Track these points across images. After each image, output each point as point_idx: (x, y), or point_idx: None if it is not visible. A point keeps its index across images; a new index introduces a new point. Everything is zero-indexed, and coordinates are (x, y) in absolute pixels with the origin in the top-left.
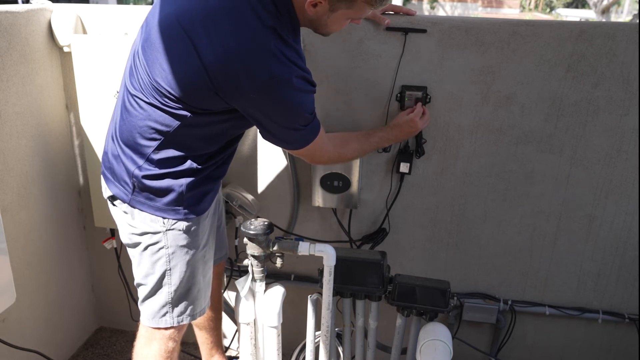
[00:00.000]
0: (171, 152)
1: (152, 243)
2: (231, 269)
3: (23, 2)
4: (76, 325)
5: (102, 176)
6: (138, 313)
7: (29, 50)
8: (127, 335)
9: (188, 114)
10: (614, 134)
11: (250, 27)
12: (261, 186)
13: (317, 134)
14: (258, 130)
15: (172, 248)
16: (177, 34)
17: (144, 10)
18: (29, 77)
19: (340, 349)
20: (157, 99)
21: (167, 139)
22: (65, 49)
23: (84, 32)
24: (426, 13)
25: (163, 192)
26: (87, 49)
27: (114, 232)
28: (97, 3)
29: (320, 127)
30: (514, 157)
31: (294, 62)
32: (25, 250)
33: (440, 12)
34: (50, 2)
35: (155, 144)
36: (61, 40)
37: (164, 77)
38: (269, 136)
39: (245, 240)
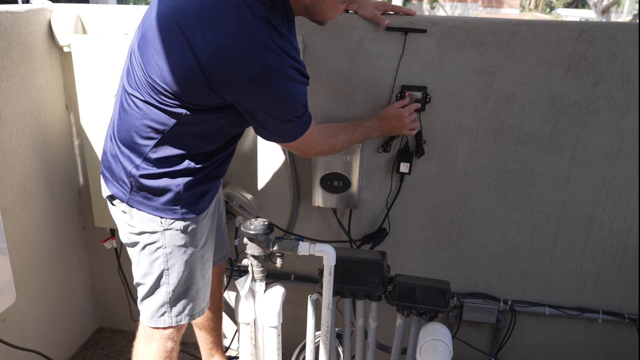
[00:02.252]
0: (169, 151)
1: (150, 242)
2: (231, 269)
3: (23, 2)
4: (76, 325)
5: (101, 176)
6: (138, 313)
7: (29, 50)
8: (127, 335)
9: (184, 111)
10: (614, 134)
11: (244, 20)
12: (261, 186)
13: (309, 126)
14: (252, 125)
15: (169, 248)
16: (171, 30)
17: (144, 10)
18: (29, 77)
19: (340, 349)
20: (152, 97)
21: (164, 138)
22: (65, 49)
23: (84, 32)
24: (426, 13)
25: (160, 191)
26: (87, 49)
27: (113, 232)
28: (97, 3)
29: (311, 119)
30: (514, 157)
31: (287, 52)
32: (25, 250)
33: (440, 12)
34: (50, 2)
35: (152, 142)
36: (61, 40)
37: (159, 73)
38: (262, 130)
39: (245, 240)
